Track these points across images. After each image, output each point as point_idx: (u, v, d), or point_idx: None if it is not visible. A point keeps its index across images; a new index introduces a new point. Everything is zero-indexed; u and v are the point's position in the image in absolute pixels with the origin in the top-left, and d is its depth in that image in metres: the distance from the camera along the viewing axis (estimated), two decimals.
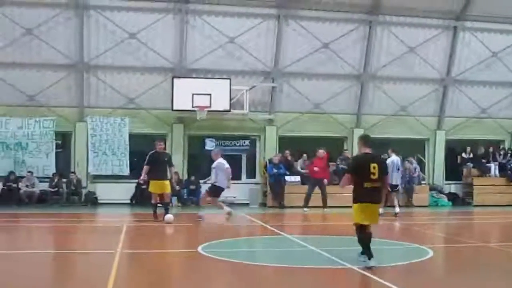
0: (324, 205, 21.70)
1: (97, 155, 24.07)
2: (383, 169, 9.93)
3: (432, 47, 26.26)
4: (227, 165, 17.71)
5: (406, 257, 11.18)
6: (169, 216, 16.71)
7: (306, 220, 19.78)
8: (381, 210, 17.58)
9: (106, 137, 24.06)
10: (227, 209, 17.81)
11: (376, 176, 9.70)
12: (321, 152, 22.38)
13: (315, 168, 22.10)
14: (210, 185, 18.16)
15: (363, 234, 9.76)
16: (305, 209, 21.45)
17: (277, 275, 9.83)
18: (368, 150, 10.10)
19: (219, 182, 17.62)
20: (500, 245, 13.59)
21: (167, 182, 17.68)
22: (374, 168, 9.70)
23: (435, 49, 26.36)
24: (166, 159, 17.73)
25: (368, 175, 9.68)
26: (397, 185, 19.94)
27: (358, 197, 9.75)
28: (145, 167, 17.46)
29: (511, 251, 12.20)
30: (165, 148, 18.78)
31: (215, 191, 17.78)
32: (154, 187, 17.50)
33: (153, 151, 17.69)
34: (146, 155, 17.76)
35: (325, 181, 22.06)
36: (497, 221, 19.90)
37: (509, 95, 27.41)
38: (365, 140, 10.25)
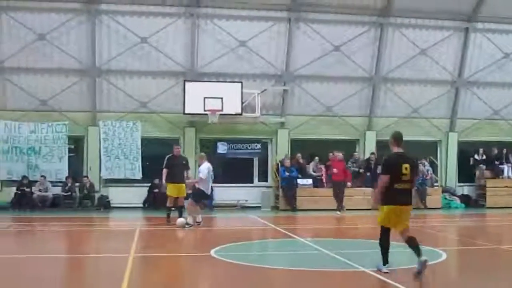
0: (339, 208, 22.06)
1: (110, 159, 24.15)
2: (415, 170, 9.63)
3: (443, 49, 26.17)
4: (207, 171, 17.28)
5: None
6: (181, 220, 16.70)
7: (318, 223, 19.77)
8: None
9: (119, 141, 24.15)
10: (199, 218, 17.34)
11: (408, 177, 9.34)
12: (340, 155, 22.62)
13: (334, 170, 22.32)
14: (193, 191, 17.90)
15: (385, 237, 9.49)
16: (337, 212, 21.78)
17: (290, 278, 9.83)
18: (400, 150, 9.70)
19: (202, 186, 17.34)
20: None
21: (184, 186, 17.73)
22: (406, 169, 9.33)
23: (447, 51, 26.27)
24: (184, 162, 17.88)
25: (400, 176, 9.30)
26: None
27: (388, 199, 9.34)
28: (164, 170, 17.60)
29: None
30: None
31: (198, 195, 17.55)
32: (171, 190, 17.60)
33: (170, 155, 17.87)
34: (163, 159, 17.87)
35: (349, 183, 22.35)
36: (510, 223, 19.79)
37: None
38: (397, 138, 9.78)
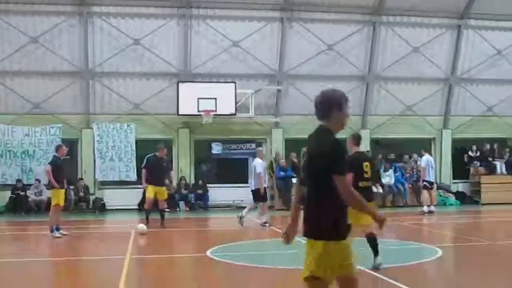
0: None
1: (104, 161, 24.11)
2: (374, 169, 10.09)
3: (436, 46, 26.22)
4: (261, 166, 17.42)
5: (415, 257, 11.17)
6: (141, 226, 15.67)
7: None
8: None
9: (113, 143, 24.10)
10: (263, 218, 17.39)
11: (368, 175, 9.72)
12: None
13: None
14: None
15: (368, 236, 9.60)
16: None
17: (287, 278, 9.83)
18: (359, 149, 10.10)
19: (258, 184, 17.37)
20: (508, 243, 13.56)
21: (164, 189, 17.34)
22: (366, 166, 9.74)
23: (440, 48, 26.32)
24: (164, 164, 17.43)
25: (362, 174, 9.63)
26: (433, 182, 21.51)
27: None
28: (143, 171, 17.21)
29: None
30: (166, 154, 18.16)
31: (255, 195, 17.52)
32: (150, 192, 16.97)
33: (151, 155, 17.43)
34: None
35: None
36: (505, 219, 19.85)
37: None
38: (356, 138, 10.10)
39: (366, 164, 9.75)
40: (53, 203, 15.41)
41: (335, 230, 4.97)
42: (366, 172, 9.68)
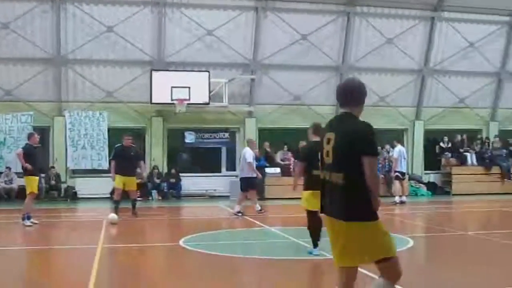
0: None
1: (76, 149, 23.91)
2: None
3: (410, 38, 26.40)
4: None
5: None
6: (112, 216, 15.38)
7: (287, 212, 19.81)
8: None
9: (85, 131, 23.89)
10: (257, 207, 17.67)
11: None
12: None
13: None
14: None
15: (316, 220, 9.87)
16: None
17: (259, 267, 9.85)
18: (317, 139, 9.83)
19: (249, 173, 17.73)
20: (478, 233, 13.75)
21: (134, 179, 16.91)
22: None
23: (413, 40, 26.51)
24: (132, 153, 16.92)
25: (317, 163, 9.60)
26: (404, 173, 21.72)
27: (310, 185, 9.91)
28: (112, 162, 16.92)
29: (490, 239, 12.33)
30: (133, 143, 17.52)
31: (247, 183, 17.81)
32: (118, 182, 16.59)
33: (119, 145, 17.14)
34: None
35: None
36: (475, 210, 20.11)
37: (486, 85, 27.66)
38: (317, 128, 10.13)
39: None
40: (28, 191, 15.25)
41: (369, 211, 5.11)
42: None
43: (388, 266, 5.21)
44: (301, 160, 10.48)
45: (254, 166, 17.62)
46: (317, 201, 9.54)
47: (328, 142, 5.38)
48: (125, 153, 16.71)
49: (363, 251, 5.18)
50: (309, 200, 9.88)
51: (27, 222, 14.95)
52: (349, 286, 5.40)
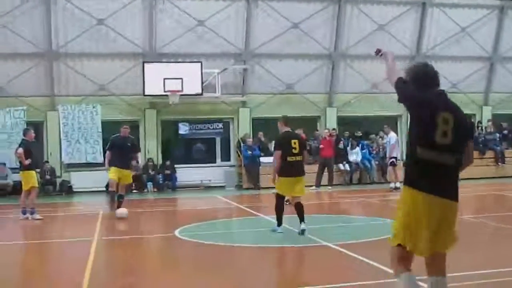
0: (330, 183, 23.27)
1: (70, 143, 23.86)
2: (303, 145, 11.46)
3: (401, 24, 26.38)
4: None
5: (380, 233, 11.30)
6: (121, 211, 14.97)
7: None
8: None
9: (79, 125, 23.82)
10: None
11: (297, 151, 11.14)
12: (325, 132, 24.23)
13: (321, 146, 23.58)
14: None
15: (280, 203, 11.36)
16: (313, 187, 21.87)
17: (255, 255, 9.91)
18: (288, 129, 11.57)
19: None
20: (474, 217, 13.81)
21: (128, 173, 16.12)
22: (295, 143, 11.17)
23: (405, 26, 26.49)
24: (129, 144, 16.24)
25: (290, 150, 11.09)
26: (397, 159, 21.85)
27: (283, 172, 11.15)
28: (107, 153, 16.21)
29: (485, 222, 12.41)
30: (130, 133, 16.88)
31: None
32: (112, 173, 15.82)
33: (116, 135, 16.61)
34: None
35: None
36: (469, 194, 20.16)
37: (479, 69, 27.70)
38: (285, 120, 11.74)
39: (294, 141, 11.21)
40: (29, 186, 15.24)
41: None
42: (295, 148, 11.11)
43: (444, 258, 5.32)
44: (277, 149, 11.37)
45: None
46: (287, 188, 11.08)
47: (446, 122, 5.22)
48: (122, 143, 16.09)
49: (455, 234, 5.29)
50: (282, 186, 11.21)
51: (36, 216, 15.09)
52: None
